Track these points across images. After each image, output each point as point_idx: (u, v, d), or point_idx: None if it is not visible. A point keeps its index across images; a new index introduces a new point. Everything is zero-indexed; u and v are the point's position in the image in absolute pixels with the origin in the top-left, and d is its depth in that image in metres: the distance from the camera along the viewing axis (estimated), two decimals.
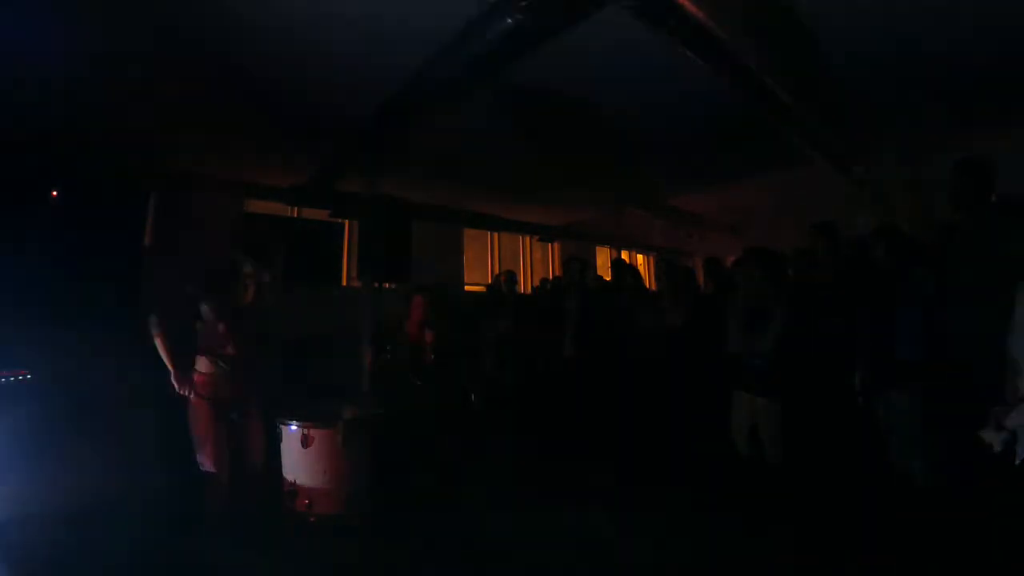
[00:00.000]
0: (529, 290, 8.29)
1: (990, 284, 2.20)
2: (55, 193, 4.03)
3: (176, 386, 2.60)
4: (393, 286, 4.79)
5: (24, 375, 3.16)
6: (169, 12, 2.72)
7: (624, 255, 9.08)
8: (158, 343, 2.60)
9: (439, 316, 5.11)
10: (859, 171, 5.21)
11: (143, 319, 2.67)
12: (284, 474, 2.87)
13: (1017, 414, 1.84)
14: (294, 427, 2.87)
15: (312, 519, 2.80)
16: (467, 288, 7.90)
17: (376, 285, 4.72)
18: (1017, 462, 1.83)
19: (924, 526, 2.38)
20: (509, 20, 2.33)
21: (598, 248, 9.85)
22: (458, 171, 5.60)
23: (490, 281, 7.47)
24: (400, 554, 2.69)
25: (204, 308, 2.65)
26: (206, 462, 2.59)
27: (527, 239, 9.11)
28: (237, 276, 2.73)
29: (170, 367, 2.60)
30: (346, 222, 6.51)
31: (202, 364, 2.66)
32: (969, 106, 4.09)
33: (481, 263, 8.54)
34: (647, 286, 8.33)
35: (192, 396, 2.62)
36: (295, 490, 2.81)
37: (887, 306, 2.73)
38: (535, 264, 9.34)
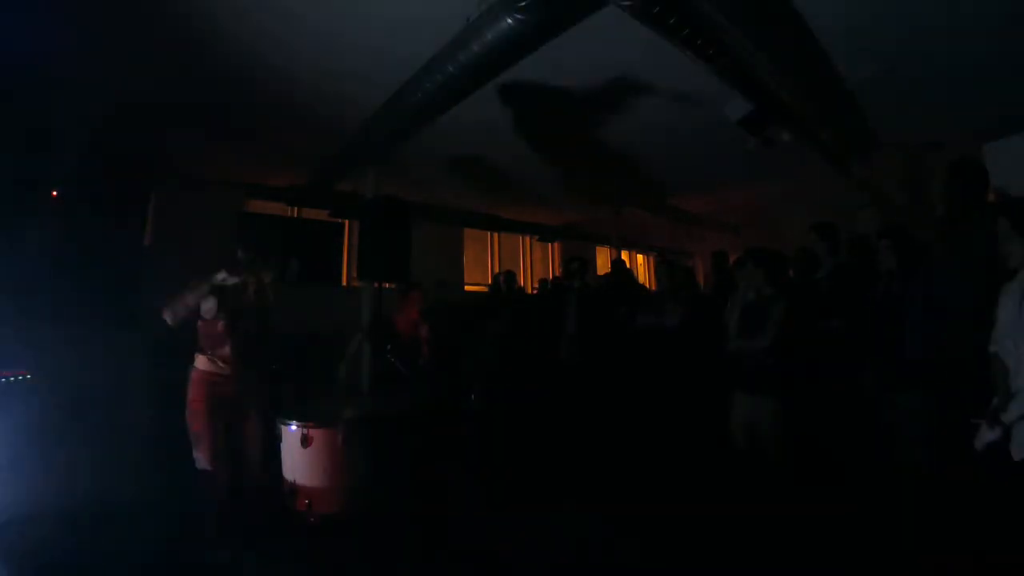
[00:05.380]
0: (529, 290, 8.29)
1: (986, 284, 2.21)
2: (55, 193, 4.02)
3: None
4: (393, 286, 4.79)
5: (24, 375, 3.16)
6: (171, 12, 2.73)
7: (624, 255, 9.08)
8: (181, 300, 2.54)
9: (439, 315, 5.11)
10: (859, 171, 5.22)
11: (145, 319, 2.64)
12: (284, 474, 2.87)
13: (1012, 409, 1.85)
14: (294, 427, 2.86)
15: (312, 519, 2.80)
16: (467, 288, 7.90)
17: (376, 285, 4.72)
18: (1016, 459, 1.84)
19: (926, 524, 2.38)
20: (509, 21, 2.33)
21: (598, 248, 9.85)
22: (459, 171, 5.61)
23: (490, 281, 7.48)
24: (400, 554, 2.69)
25: (204, 306, 2.65)
26: (202, 460, 2.59)
27: (527, 239, 9.12)
28: (237, 276, 2.72)
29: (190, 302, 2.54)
30: (346, 222, 6.52)
31: (200, 362, 2.65)
32: (970, 104, 4.09)
33: (481, 263, 8.54)
34: (646, 286, 8.35)
35: (190, 394, 2.61)
36: (295, 490, 2.81)
37: (893, 306, 2.73)
38: (535, 264, 9.34)
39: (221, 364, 2.65)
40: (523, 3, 2.20)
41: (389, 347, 3.97)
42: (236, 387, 2.65)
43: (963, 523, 2.21)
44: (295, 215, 6.27)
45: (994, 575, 1.96)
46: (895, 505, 2.59)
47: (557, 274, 8.62)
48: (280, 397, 3.16)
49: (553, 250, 9.44)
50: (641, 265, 10.83)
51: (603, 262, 9.65)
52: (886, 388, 2.73)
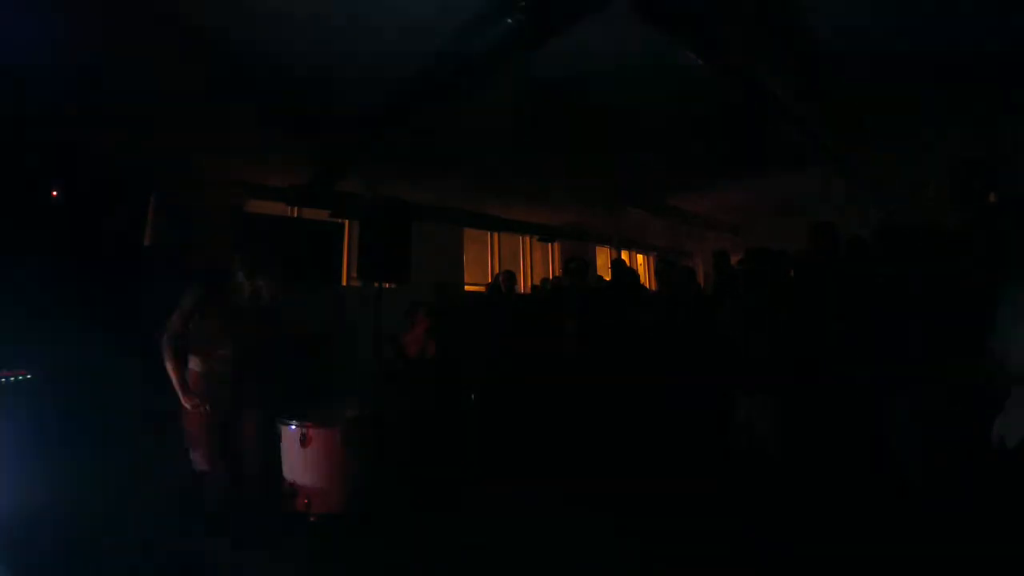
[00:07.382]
0: (529, 290, 8.28)
1: (989, 284, 2.20)
2: (55, 193, 4.02)
3: (186, 404, 2.58)
4: (393, 286, 4.78)
5: (24, 375, 3.16)
6: (170, 10, 2.73)
7: (624, 255, 9.07)
8: (169, 367, 2.55)
9: (441, 316, 5.09)
10: (859, 171, 5.22)
11: (149, 330, 2.64)
12: (284, 474, 2.87)
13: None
14: (293, 427, 2.87)
15: (312, 518, 2.80)
16: (467, 288, 7.90)
17: (376, 285, 4.71)
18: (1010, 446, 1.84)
19: (922, 524, 2.38)
20: (509, 20, 2.33)
21: (598, 248, 9.84)
22: (459, 170, 5.60)
23: (490, 281, 7.47)
24: (400, 554, 2.69)
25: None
26: (200, 461, 2.59)
27: (527, 239, 9.11)
28: (235, 276, 2.72)
29: (178, 390, 2.56)
30: (346, 222, 6.51)
31: (194, 363, 2.65)
32: (970, 104, 4.09)
33: (481, 263, 8.54)
34: (647, 286, 8.35)
35: (185, 396, 2.61)
36: (294, 489, 2.81)
37: (888, 306, 2.72)
38: (535, 264, 9.34)
39: (215, 365, 2.63)
40: (523, 3, 2.21)
41: (388, 345, 3.98)
42: (232, 388, 2.64)
43: (954, 523, 2.22)
44: (295, 215, 6.27)
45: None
46: (888, 504, 2.59)
47: (557, 274, 8.61)
48: (280, 397, 3.16)
49: (553, 250, 9.43)
50: (641, 265, 10.82)
51: (603, 262, 9.64)
52: (879, 387, 2.73)
